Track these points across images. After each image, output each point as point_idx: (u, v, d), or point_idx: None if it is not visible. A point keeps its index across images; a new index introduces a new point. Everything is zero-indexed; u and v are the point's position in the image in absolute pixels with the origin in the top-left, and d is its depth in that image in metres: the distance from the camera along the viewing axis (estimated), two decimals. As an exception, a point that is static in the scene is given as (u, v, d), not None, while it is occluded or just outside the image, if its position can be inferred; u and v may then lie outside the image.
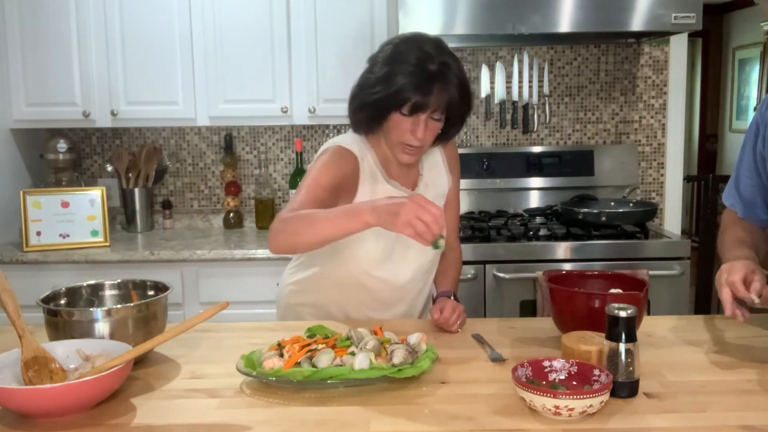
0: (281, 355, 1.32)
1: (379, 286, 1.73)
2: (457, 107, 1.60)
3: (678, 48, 3.15)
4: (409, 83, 1.54)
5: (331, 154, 1.65)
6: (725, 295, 1.40)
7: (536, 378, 1.23)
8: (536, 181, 3.13)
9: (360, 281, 1.72)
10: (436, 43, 1.61)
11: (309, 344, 1.33)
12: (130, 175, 3.09)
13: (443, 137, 1.69)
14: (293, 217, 1.47)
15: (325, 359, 1.28)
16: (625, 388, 1.22)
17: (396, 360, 1.28)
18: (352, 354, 1.30)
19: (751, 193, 1.62)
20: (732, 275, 1.40)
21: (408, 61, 1.55)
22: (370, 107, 1.61)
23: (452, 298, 1.73)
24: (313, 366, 1.27)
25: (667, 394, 1.24)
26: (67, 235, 2.76)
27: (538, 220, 2.94)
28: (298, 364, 1.28)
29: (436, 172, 1.80)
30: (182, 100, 2.88)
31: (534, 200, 3.15)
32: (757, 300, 1.38)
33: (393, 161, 1.72)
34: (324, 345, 1.33)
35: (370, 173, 1.68)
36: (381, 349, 1.33)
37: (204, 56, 2.85)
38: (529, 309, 2.58)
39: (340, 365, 1.27)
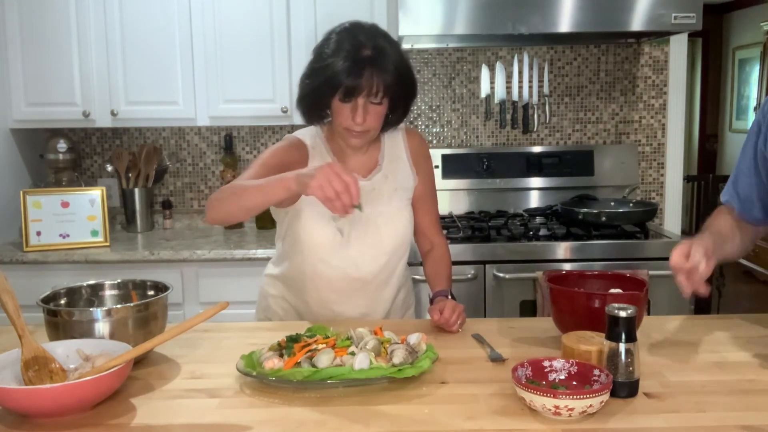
0: (281, 355, 1.32)
1: (336, 275, 1.74)
2: (394, 90, 1.64)
3: (678, 48, 3.15)
4: (341, 68, 1.58)
5: (282, 142, 1.76)
6: (679, 279, 1.37)
7: (536, 378, 1.23)
8: (536, 181, 3.13)
9: (318, 270, 1.74)
10: (372, 30, 1.67)
11: (309, 344, 1.33)
12: (130, 175, 3.09)
13: (390, 121, 1.74)
14: (227, 188, 1.57)
15: (325, 359, 1.28)
16: (625, 388, 1.22)
17: (396, 360, 1.28)
18: (352, 354, 1.30)
19: (749, 192, 1.62)
20: (672, 260, 1.37)
21: (343, 48, 1.61)
22: (309, 96, 1.68)
23: (449, 296, 1.73)
24: (313, 366, 1.27)
25: (667, 394, 1.24)
26: (67, 235, 2.76)
27: (538, 220, 2.94)
28: (298, 364, 1.28)
29: (398, 165, 1.82)
30: (182, 100, 2.88)
31: (534, 200, 3.15)
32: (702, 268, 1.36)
33: (347, 150, 1.77)
34: (324, 345, 1.33)
35: (321, 161, 1.73)
36: (381, 349, 1.33)
37: (204, 56, 2.85)
38: (529, 309, 2.58)
39: (340, 365, 1.27)
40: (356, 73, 1.58)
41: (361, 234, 1.73)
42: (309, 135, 1.78)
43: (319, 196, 1.37)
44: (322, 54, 1.64)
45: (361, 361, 1.26)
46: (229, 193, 1.55)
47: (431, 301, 1.75)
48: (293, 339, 1.37)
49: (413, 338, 1.36)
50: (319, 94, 1.65)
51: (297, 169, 1.66)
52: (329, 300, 1.78)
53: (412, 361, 1.30)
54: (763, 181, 1.60)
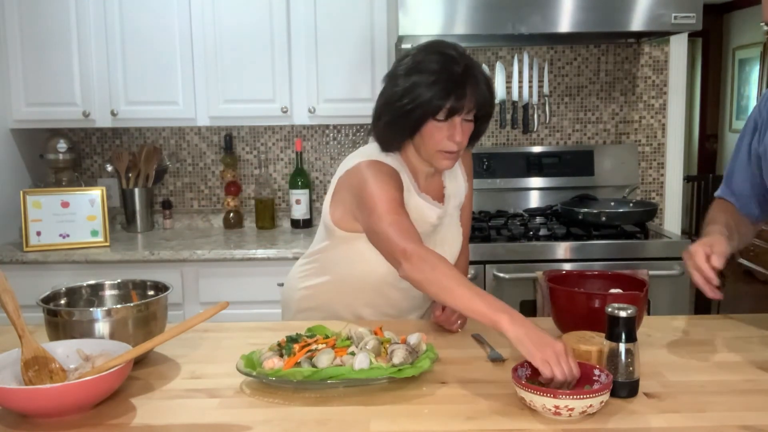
0: (281, 355, 1.32)
1: (399, 295, 1.73)
2: (487, 105, 1.61)
3: (678, 48, 3.15)
4: (442, 89, 1.52)
5: (377, 171, 1.60)
6: (697, 279, 1.43)
7: (536, 378, 1.23)
8: (536, 181, 3.13)
9: (381, 291, 1.71)
10: (455, 46, 1.60)
11: (309, 344, 1.33)
12: (130, 175, 3.09)
13: (475, 136, 1.69)
14: (438, 267, 1.43)
15: (325, 359, 1.28)
16: (625, 388, 1.22)
17: (396, 360, 1.28)
18: (352, 354, 1.30)
19: (744, 188, 1.61)
20: (695, 259, 1.43)
21: (432, 68, 1.54)
22: (403, 120, 1.58)
23: None
24: (313, 366, 1.27)
25: (667, 394, 1.24)
26: (67, 235, 2.76)
27: (538, 220, 2.94)
28: (298, 364, 1.28)
29: (457, 183, 1.80)
30: (182, 100, 2.88)
31: (534, 200, 3.15)
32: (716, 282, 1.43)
33: (421, 173, 1.71)
34: (324, 345, 1.33)
35: (406, 187, 1.67)
36: (381, 349, 1.33)
37: (204, 56, 2.85)
38: (529, 309, 2.58)
39: (340, 365, 1.27)
40: (459, 93, 1.53)
41: None
42: (388, 159, 1.65)
43: (544, 372, 1.21)
44: (406, 76, 1.57)
45: (361, 361, 1.26)
46: (440, 278, 1.41)
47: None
48: (293, 339, 1.37)
49: (413, 338, 1.36)
50: (415, 116, 1.56)
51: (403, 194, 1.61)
52: (386, 314, 1.76)
53: (412, 361, 1.29)
54: (757, 178, 1.59)
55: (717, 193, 1.71)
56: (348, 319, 1.75)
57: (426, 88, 1.53)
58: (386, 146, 1.66)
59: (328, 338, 1.38)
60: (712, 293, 1.41)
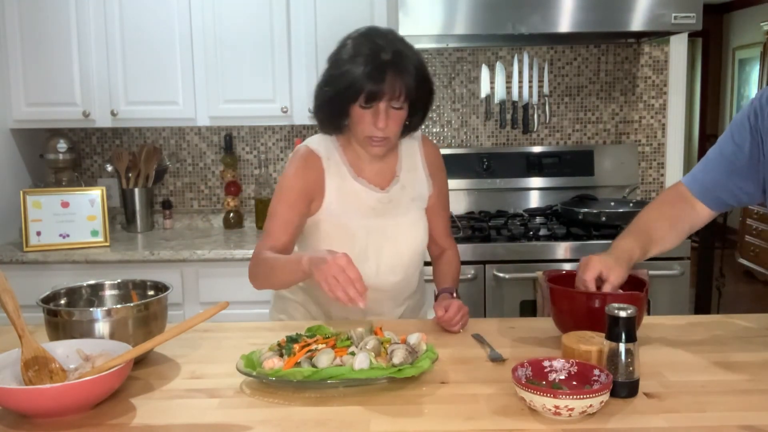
0: (281, 355, 1.32)
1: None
2: (415, 93, 1.61)
3: (678, 48, 3.15)
4: (361, 73, 1.56)
5: (297, 160, 1.72)
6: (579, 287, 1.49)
7: (536, 378, 1.23)
8: (536, 181, 3.13)
9: None
10: (389, 34, 1.64)
11: (309, 344, 1.33)
12: (130, 175, 3.09)
13: (409, 127, 1.71)
14: (260, 263, 1.64)
15: (325, 359, 1.28)
16: (625, 388, 1.22)
17: (396, 360, 1.28)
18: (352, 354, 1.29)
19: (717, 179, 1.57)
20: (586, 273, 1.47)
21: (361, 53, 1.58)
22: (328, 104, 1.65)
23: (454, 295, 1.74)
24: (313, 366, 1.27)
25: (667, 394, 1.24)
26: (67, 235, 2.76)
27: (538, 220, 2.94)
28: (298, 364, 1.28)
29: (415, 176, 1.79)
30: (182, 100, 2.88)
31: (534, 200, 3.15)
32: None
33: (364, 159, 1.73)
34: (324, 345, 1.33)
35: (337, 172, 1.70)
36: (381, 349, 1.33)
37: (204, 56, 2.85)
38: (529, 309, 2.58)
39: (340, 365, 1.27)
40: (378, 78, 1.55)
41: (378, 246, 1.71)
42: (323, 144, 1.72)
43: (323, 288, 1.38)
44: (339, 60, 1.62)
45: (361, 361, 1.26)
46: (261, 271, 1.64)
47: (436, 298, 1.75)
48: (293, 339, 1.37)
49: (413, 338, 1.36)
50: (338, 101, 1.61)
51: (317, 186, 1.68)
52: (349, 309, 1.75)
53: (412, 361, 1.29)
54: (726, 175, 1.56)
55: (683, 180, 1.65)
56: (317, 312, 1.80)
57: (348, 74, 1.57)
58: (322, 128, 1.73)
59: (328, 338, 1.38)
60: None
